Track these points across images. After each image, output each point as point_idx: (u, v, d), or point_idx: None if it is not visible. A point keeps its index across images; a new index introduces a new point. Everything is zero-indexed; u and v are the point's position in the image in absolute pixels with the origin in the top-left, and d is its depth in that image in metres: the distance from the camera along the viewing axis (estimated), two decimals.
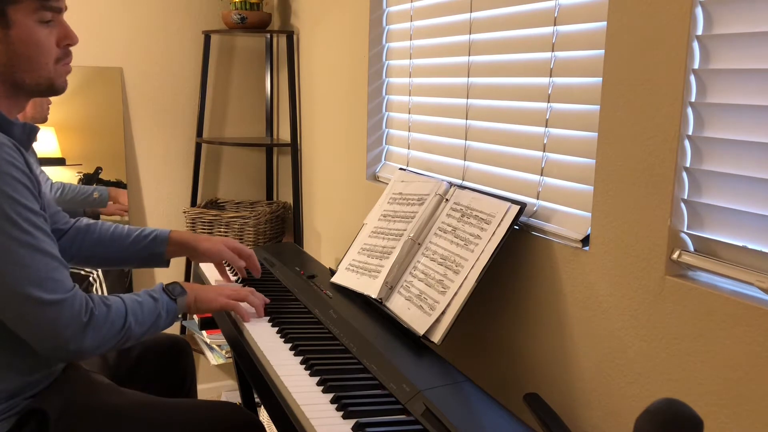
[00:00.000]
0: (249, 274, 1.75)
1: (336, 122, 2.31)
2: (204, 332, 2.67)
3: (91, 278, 2.69)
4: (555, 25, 1.32)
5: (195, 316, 2.56)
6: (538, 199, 1.39)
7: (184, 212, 2.65)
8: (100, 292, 2.70)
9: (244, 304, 1.47)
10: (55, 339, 1.17)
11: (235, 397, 2.79)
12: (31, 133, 1.31)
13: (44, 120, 2.19)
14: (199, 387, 2.45)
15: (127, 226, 1.63)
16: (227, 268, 1.76)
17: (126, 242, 1.60)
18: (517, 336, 1.40)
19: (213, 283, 1.74)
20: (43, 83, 1.27)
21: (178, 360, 1.72)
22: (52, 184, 2.56)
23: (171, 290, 1.37)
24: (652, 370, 1.10)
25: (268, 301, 1.53)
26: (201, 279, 1.81)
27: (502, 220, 1.32)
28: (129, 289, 2.78)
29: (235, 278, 1.76)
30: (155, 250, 1.62)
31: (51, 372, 1.33)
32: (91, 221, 1.62)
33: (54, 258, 1.18)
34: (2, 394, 1.23)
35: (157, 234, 1.62)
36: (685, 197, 1.06)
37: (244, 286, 1.66)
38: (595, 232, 1.20)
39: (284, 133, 2.85)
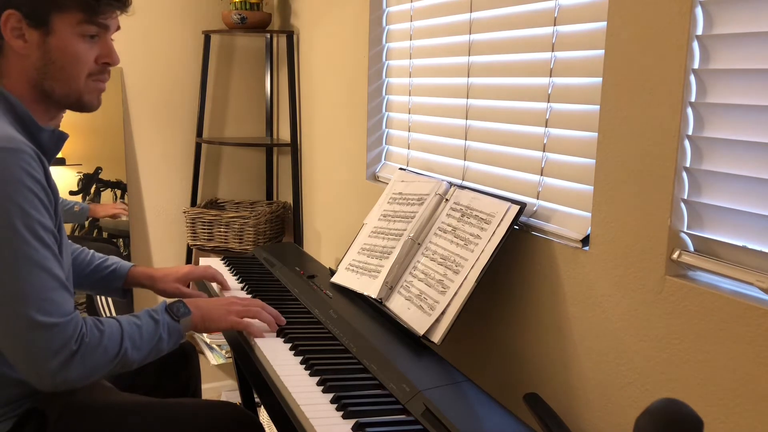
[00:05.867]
0: (250, 276, 1.74)
1: (336, 122, 2.31)
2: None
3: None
4: (555, 25, 1.32)
5: None
6: (538, 199, 1.39)
7: (184, 212, 2.65)
8: (102, 301, 2.69)
9: (256, 321, 1.38)
10: (40, 366, 1.10)
11: (235, 397, 2.79)
12: (59, 140, 1.29)
13: (56, 127, 2.19)
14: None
15: (91, 252, 1.59)
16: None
17: (86, 270, 1.57)
18: (517, 336, 1.40)
19: (217, 290, 1.67)
20: (72, 96, 1.25)
21: (184, 367, 1.66)
22: None
23: (174, 310, 1.30)
24: (652, 370, 1.10)
25: (283, 322, 1.41)
26: (206, 287, 1.73)
27: (501, 220, 1.32)
28: (130, 301, 2.75)
29: (240, 284, 1.70)
30: (112, 284, 1.59)
31: None
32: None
33: (55, 278, 1.11)
34: (4, 396, 1.22)
35: (117, 267, 1.59)
36: (685, 197, 1.06)
37: (248, 292, 1.64)
38: (595, 232, 1.20)
39: (284, 133, 2.85)
